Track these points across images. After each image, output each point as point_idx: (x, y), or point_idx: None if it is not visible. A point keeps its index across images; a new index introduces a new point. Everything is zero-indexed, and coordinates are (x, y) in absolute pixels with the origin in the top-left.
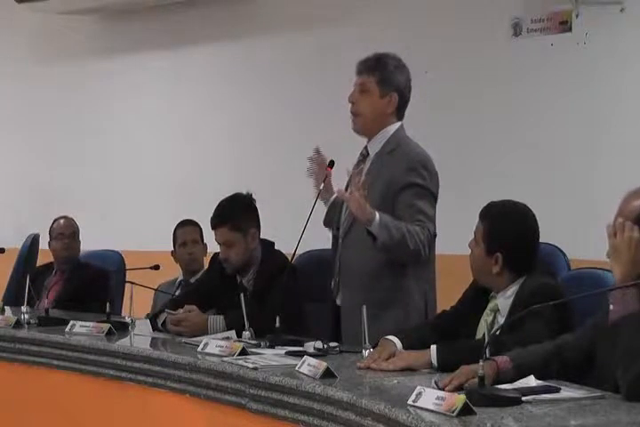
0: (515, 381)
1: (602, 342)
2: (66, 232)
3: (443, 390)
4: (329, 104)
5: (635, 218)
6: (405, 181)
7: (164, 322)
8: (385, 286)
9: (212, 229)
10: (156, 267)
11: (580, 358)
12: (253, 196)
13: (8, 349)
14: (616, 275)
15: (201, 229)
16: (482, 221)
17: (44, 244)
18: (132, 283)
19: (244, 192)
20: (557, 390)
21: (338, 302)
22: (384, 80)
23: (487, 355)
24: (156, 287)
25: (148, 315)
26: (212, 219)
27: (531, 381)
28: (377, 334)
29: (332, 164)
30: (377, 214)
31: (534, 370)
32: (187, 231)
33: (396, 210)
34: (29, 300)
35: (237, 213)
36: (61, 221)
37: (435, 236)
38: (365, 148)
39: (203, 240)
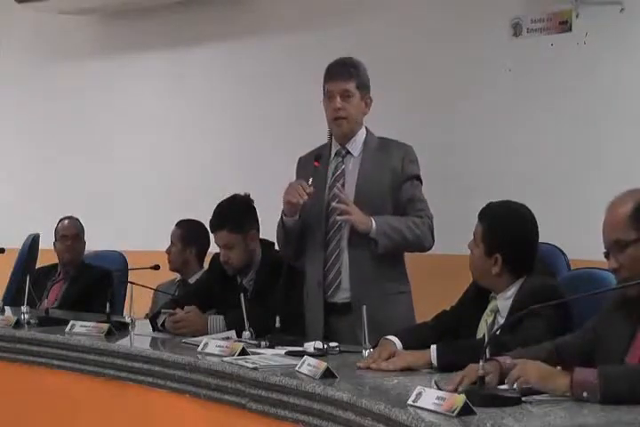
0: None
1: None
2: (69, 234)
3: (442, 389)
4: None
5: (625, 223)
6: (409, 173)
7: (163, 322)
8: (393, 274)
9: (212, 232)
10: (156, 267)
11: (578, 358)
12: (252, 196)
13: (8, 349)
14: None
15: (183, 230)
16: (481, 222)
17: (43, 244)
18: (133, 283)
19: (242, 193)
20: None
21: (333, 299)
22: (362, 84)
23: (487, 355)
24: (154, 287)
25: (147, 315)
26: (210, 222)
27: None
28: (395, 319)
29: (318, 157)
30: (374, 223)
31: None
32: (172, 232)
33: (400, 199)
34: (30, 300)
35: (236, 215)
36: (65, 221)
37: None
38: (344, 148)
39: (182, 241)
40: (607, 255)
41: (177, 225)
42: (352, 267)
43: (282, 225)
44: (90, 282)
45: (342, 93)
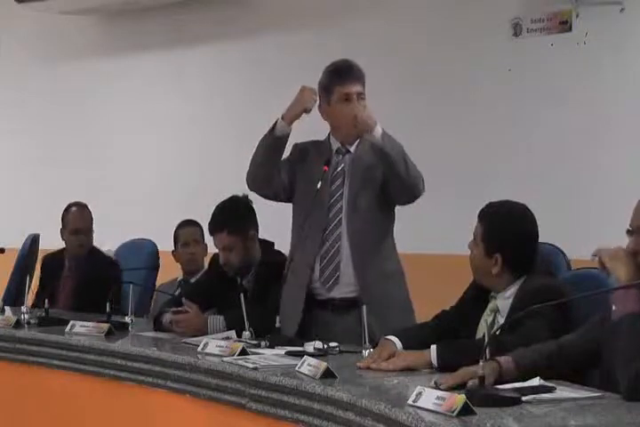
0: (518, 380)
1: (603, 341)
2: (83, 227)
3: (442, 389)
4: None
5: None
6: None
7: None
8: (388, 257)
9: (210, 234)
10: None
11: (581, 357)
12: (251, 197)
13: (8, 349)
14: (621, 277)
15: (202, 229)
16: (480, 222)
17: (43, 244)
18: (132, 283)
19: (241, 194)
20: (553, 389)
21: (331, 295)
22: (364, 86)
23: (487, 355)
24: (156, 287)
25: (149, 315)
26: (209, 224)
27: (534, 380)
28: (394, 299)
29: (328, 162)
30: (379, 126)
31: (537, 369)
32: (189, 232)
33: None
34: (30, 300)
35: (235, 217)
36: (75, 211)
37: None
38: (344, 147)
39: (203, 240)
40: (629, 233)
41: (189, 225)
42: (354, 260)
43: (269, 136)
44: (99, 275)
45: (359, 96)
